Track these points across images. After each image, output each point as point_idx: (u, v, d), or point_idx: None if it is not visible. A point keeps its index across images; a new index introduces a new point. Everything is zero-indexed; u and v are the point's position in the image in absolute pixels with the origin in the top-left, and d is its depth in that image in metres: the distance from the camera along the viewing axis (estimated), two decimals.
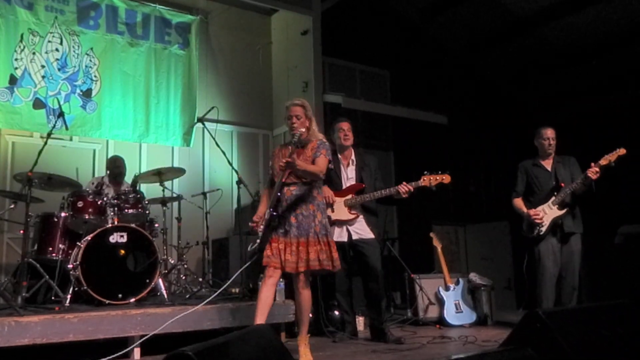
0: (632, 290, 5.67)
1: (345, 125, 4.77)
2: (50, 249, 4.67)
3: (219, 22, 7.62)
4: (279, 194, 3.60)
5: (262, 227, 3.64)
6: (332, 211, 4.58)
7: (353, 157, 4.80)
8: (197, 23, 7.31)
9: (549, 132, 4.97)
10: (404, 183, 4.51)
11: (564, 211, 4.77)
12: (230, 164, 5.15)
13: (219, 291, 3.83)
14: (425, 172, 4.53)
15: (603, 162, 4.58)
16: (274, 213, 3.56)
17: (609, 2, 7.50)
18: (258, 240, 3.63)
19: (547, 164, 5.00)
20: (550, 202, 4.81)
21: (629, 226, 7.04)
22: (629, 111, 8.33)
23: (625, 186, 7.10)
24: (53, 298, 4.38)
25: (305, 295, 3.66)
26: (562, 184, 4.82)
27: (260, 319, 3.53)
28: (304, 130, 3.69)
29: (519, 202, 5.03)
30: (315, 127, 3.81)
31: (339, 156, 4.78)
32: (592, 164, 4.60)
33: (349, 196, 4.62)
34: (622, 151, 4.57)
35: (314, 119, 3.83)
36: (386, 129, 8.66)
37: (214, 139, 5.05)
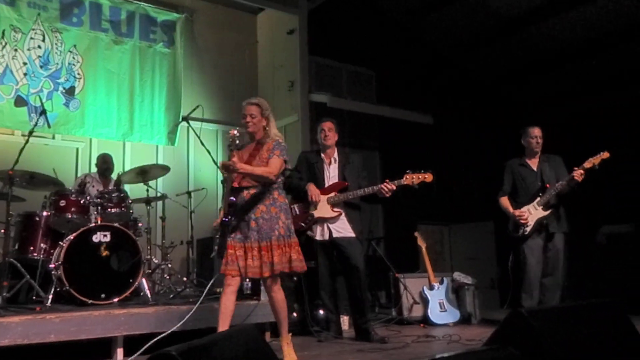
0: (614, 289, 5.75)
1: (326, 126, 4.78)
2: (32, 248, 4.61)
3: (205, 20, 7.58)
4: (232, 199, 3.49)
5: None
6: (316, 209, 4.59)
7: (335, 155, 4.80)
8: (183, 21, 7.26)
9: (537, 131, 5.03)
10: (387, 181, 4.53)
11: (548, 212, 4.84)
12: (215, 163, 5.13)
13: (199, 301, 3.81)
14: (408, 171, 4.55)
15: (587, 165, 4.66)
16: (226, 219, 3.45)
17: (596, 3, 7.58)
18: (216, 247, 3.55)
19: (533, 164, 5.07)
20: (535, 202, 4.87)
21: (611, 226, 7.15)
22: (614, 112, 8.43)
23: (607, 186, 7.18)
24: (34, 298, 4.33)
25: (278, 297, 3.58)
26: (547, 185, 4.88)
27: (222, 328, 3.44)
28: (238, 134, 3.51)
29: (505, 201, 5.08)
30: (272, 127, 3.71)
31: (322, 155, 4.79)
32: (575, 168, 4.68)
33: (332, 194, 4.63)
34: (605, 155, 4.64)
35: (272, 119, 3.73)
36: (372, 129, 8.67)
37: (198, 137, 5.01)
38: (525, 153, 5.13)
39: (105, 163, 5.84)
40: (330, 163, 4.77)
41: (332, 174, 4.73)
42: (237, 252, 3.48)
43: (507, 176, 5.14)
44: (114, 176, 5.79)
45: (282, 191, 3.68)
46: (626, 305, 2.92)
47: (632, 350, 2.71)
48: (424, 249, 6.02)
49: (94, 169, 6.04)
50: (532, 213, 4.87)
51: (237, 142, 3.52)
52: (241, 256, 3.48)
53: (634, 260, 6.38)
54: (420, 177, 4.52)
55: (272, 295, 3.57)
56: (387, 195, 4.51)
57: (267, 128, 3.67)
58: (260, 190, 3.55)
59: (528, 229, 4.85)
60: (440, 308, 5.66)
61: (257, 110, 3.65)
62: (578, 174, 4.64)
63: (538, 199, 4.87)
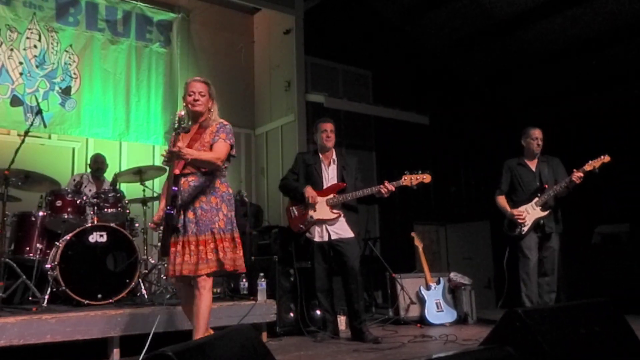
0: (610, 288, 5.77)
1: (328, 127, 4.76)
2: (28, 248, 4.59)
3: (201, 20, 7.57)
4: (174, 188, 3.11)
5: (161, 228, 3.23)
6: (314, 211, 4.58)
7: (334, 156, 4.80)
8: (179, 21, 7.24)
9: (537, 133, 5.03)
10: (386, 182, 4.54)
11: (546, 212, 4.86)
12: None
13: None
14: (406, 172, 4.56)
15: (587, 167, 4.67)
16: (171, 211, 3.08)
17: (588, 4, 7.61)
18: (159, 244, 3.26)
19: (532, 164, 5.07)
20: (533, 202, 4.88)
21: (606, 226, 7.18)
22: (610, 112, 8.47)
23: (602, 186, 7.22)
24: (30, 298, 4.32)
25: (206, 298, 3.12)
26: (546, 186, 4.89)
27: (202, 332, 3.12)
28: (185, 115, 3.22)
29: (502, 200, 5.09)
30: (216, 110, 3.40)
31: (320, 156, 4.79)
32: (575, 171, 4.68)
33: (331, 195, 4.63)
34: (606, 158, 4.65)
35: (216, 102, 3.44)
36: (368, 129, 8.68)
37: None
38: (524, 153, 5.13)
39: (96, 163, 5.84)
40: (329, 164, 4.77)
41: (330, 175, 4.73)
42: (178, 248, 3.14)
43: (505, 175, 5.15)
44: (109, 176, 5.77)
45: (225, 179, 3.38)
46: (622, 305, 2.93)
47: (628, 349, 2.72)
48: (420, 249, 6.02)
49: (89, 170, 6.02)
50: (530, 213, 4.88)
51: (184, 124, 3.24)
52: (180, 252, 3.13)
53: (630, 259, 6.41)
54: (418, 178, 4.54)
55: (201, 294, 3.11)
56: (385, 196, 4.53)
57: (212, 110, 3.37)
58: (200, 178, 3.22)
59: (525, 228, 4.86)
60: (437, 308, 5.66)
61: (205, 89, 3.35)
62: (577, 176, 4.65)
63: (536, 199, 4.88)
